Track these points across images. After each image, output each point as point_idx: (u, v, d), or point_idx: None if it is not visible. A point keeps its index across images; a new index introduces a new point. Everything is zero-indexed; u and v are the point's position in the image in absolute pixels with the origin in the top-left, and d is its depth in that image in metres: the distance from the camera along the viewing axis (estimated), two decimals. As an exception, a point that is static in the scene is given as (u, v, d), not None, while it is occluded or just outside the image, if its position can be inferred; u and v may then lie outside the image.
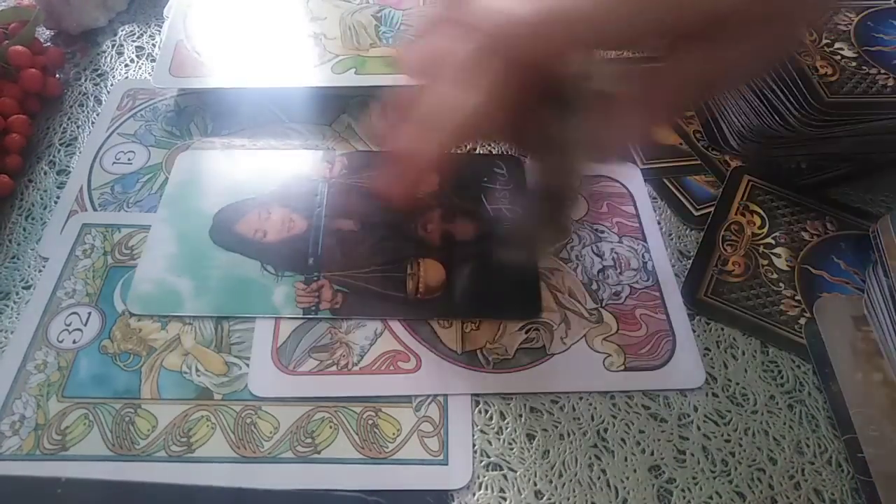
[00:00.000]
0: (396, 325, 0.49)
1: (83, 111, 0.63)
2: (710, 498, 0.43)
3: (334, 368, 0.46)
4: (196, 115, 0.62)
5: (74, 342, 0.47)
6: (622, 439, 0.45)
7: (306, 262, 0.51)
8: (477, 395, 0.46)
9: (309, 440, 0.43)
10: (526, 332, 0.49)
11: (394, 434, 0.44)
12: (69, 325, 0.48)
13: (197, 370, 0.46)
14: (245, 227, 0.53)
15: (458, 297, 0.50)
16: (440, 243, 0.53)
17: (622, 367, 0.47)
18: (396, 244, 0.53)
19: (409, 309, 0.49)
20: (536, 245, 0.52)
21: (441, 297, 0.50)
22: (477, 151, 0.60)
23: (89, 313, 0.48)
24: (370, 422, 0.44)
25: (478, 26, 0.39)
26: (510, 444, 0.44)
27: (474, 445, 0.44)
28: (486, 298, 0.50)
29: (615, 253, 0.53)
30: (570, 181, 0.45)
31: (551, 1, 0.37)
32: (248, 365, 0.46)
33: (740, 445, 0.45)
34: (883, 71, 0.55)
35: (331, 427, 0.44)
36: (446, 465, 0.43)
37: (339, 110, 0.63)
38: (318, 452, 0.43)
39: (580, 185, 0.46)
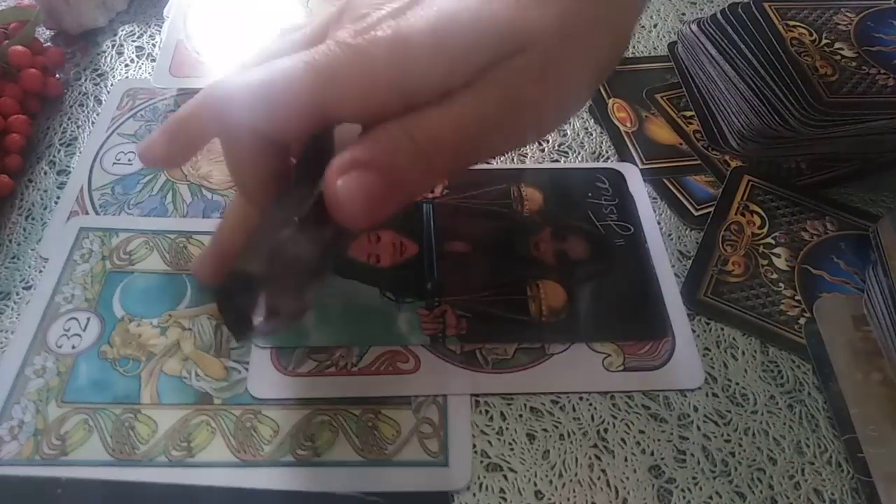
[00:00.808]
0: (395, 326, 0.49)
1: (83, 111, 0.63)
2: (710, 498, 0.43)
3: (333, 369, 0.46)
4: (196, 115, 0.62)
5: (73, 347, 0.47)
6: (622, 439, 0.45)
7: (424, 286, 0.50)
8: (477, 395, 0.46)
9: (309, 443, 0.43)
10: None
11: (393, 436, 0.44)
12: (68, 331, 0.48)
13: (196, 375, 0.46)
14: (357, 252, 0.52)
15: (583, 318, 0.49)
16: (555, 263, 0.52)
17: (621, 368, 0.47)
18: (511, 265, 0.52)
19: (535, 333, 0.49)
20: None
21: (565, 320, 0.49)
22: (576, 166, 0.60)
23: (88, 318, 0.48)
24: (370, 424, 0.44)
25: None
26: (510, 444, 0.45)
27: (474, 446, 0.44)
28: (612, 319, 0.50)
29: (616, 253, 0.53)
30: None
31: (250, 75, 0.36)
32: (247, 369, 0.46)
33: (740, 445, 0.45)
34: (883, 71, 0.55)
35: (331, 429, 0.44)
36: (446, 466, 0.43)
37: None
38: (319, 455, 0.43)
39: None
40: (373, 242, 0.53)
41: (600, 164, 0.60)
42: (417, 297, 0.50)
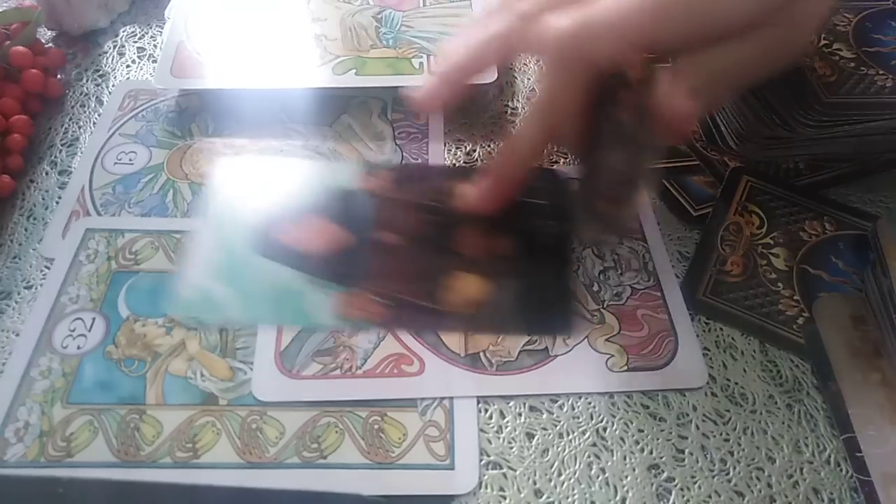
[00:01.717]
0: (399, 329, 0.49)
1: (84, 112, 0.63)
2: (709, 497, 0.43)
3: (338, 372, 0.47)
4: (197, 115, 0.62)
5: (79, 348, 0.47)
6: (621, 438, 0.45)
7: (348, 273, 0.51)
8: (481, 397, 0.46)
9: (315, 445, 0.43)
10: (528, 334, 0.49)
11: (400, 439, 0.44)
12: (73, 331, 0.48)
13: (202, 375, 0.46)
14: (288, 237, 0.53)
15: (496, 312, 0.50)
16: (479, 258, 0.52)
17: (625, 368, 0.48)
18: (437, 258, 0.52)
19: (447, 322, 0.49)
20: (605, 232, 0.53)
21: (479, 312, 0.50)
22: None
23: (94, 319, 0.48)
24: (376, 426, 0.45)
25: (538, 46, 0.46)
26: (510, 442, 0.45)
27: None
28: (522, 315, 0.50)
29: (616, 254, 0.54)
30: (632, 173, 0.47)
31: (593, 11, 0.42)
32: (252, 369, 0.47)
33: (739, 444, 0.45)
34: (881, 71, 0.55)
35: (336, 432, 0.44)
36: (453, 469, 0.43)
37: (340, 111, 0.63)
38: (325, 458, 0.43)
39: (643, 180, 0.47)
40: (304, 228, 0.54)
41: (542, 165, 0.60)
42: (339, 283, 0.50)
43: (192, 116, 0.62)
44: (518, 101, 0.65)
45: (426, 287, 0.51)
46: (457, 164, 0.60)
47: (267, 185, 0.57)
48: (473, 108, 0.64)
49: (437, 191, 0.57)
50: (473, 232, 0.54)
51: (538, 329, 0.50)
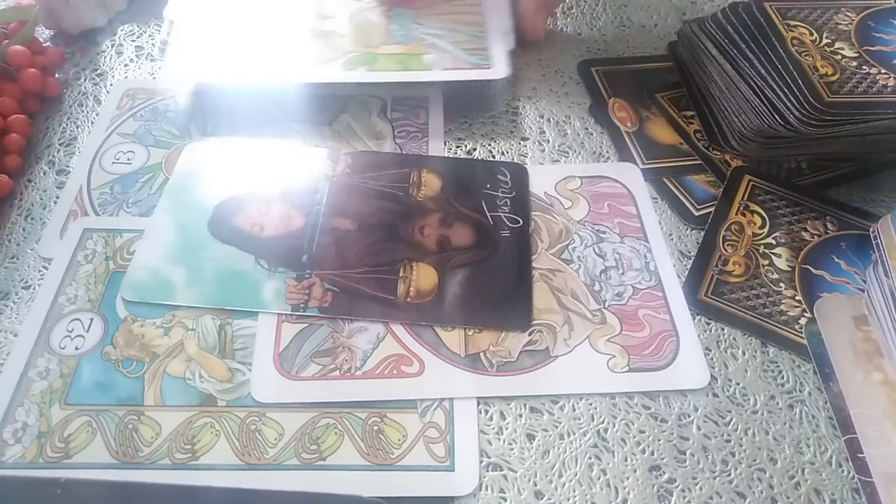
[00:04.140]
0: (399, 329, 0.49)
1: (82, 111, 0.63)
2: (711, 498, 0.43)
3: (337, 373, 0.46)
4: (196, 114, 0.62)
5: (77, 349, 0.47)
6: (622, 439, 0.45)
7: (300, 258, 0.51)
8: (481, 398, 0.46)
9: (314, 447, 0.43)
10: (529, 335, 0.49)
11: (399, 440, 0.44)
12: (71, 332, 0.48)
13: (200, 376, 0.46)
14: (243, 221, 0.53)
15: (449, 304, 0.50)
16: (436, 248, 0.53)
17: (626, 369, 0.48)
18: (392, 246, 0.53)
19: (397, 312, 0.49)
20: None
21: (431, 303, 0.50)
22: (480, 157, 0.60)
23: (91, 319, 0.48)
24: (375, 428, 0.44)
25: None
26: (510, 444, 0.45)
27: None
28: (477, 307, 0.50)
29: (617, 253, 0.53)
30: None
31: None
32: (251, 370, 0.46)
33: (740, 445, 0.45)
34: (883, 70, 0.55)
35: (336, 433, 0.44)
36: (453, 471, 0.43)
37: (339, 110, 0.63)
38: (324, 459, 0.43)
39: None
40: (261, 213, 0.54)
41: (506, 159, 0.60)
42: (290, 267, 0.51)
43: (191, 115, 0.62)
44: (519, 100, 0.65)
45: (381, 276, 0.51)
46: (418, 154, 0.60)
47: (230, 170, 0.57)
48: (474, 106, 0.64)
49: (396, 178, 0.57)
50: (430, 221, 0.54)
51: (495, 323, 0.49)
